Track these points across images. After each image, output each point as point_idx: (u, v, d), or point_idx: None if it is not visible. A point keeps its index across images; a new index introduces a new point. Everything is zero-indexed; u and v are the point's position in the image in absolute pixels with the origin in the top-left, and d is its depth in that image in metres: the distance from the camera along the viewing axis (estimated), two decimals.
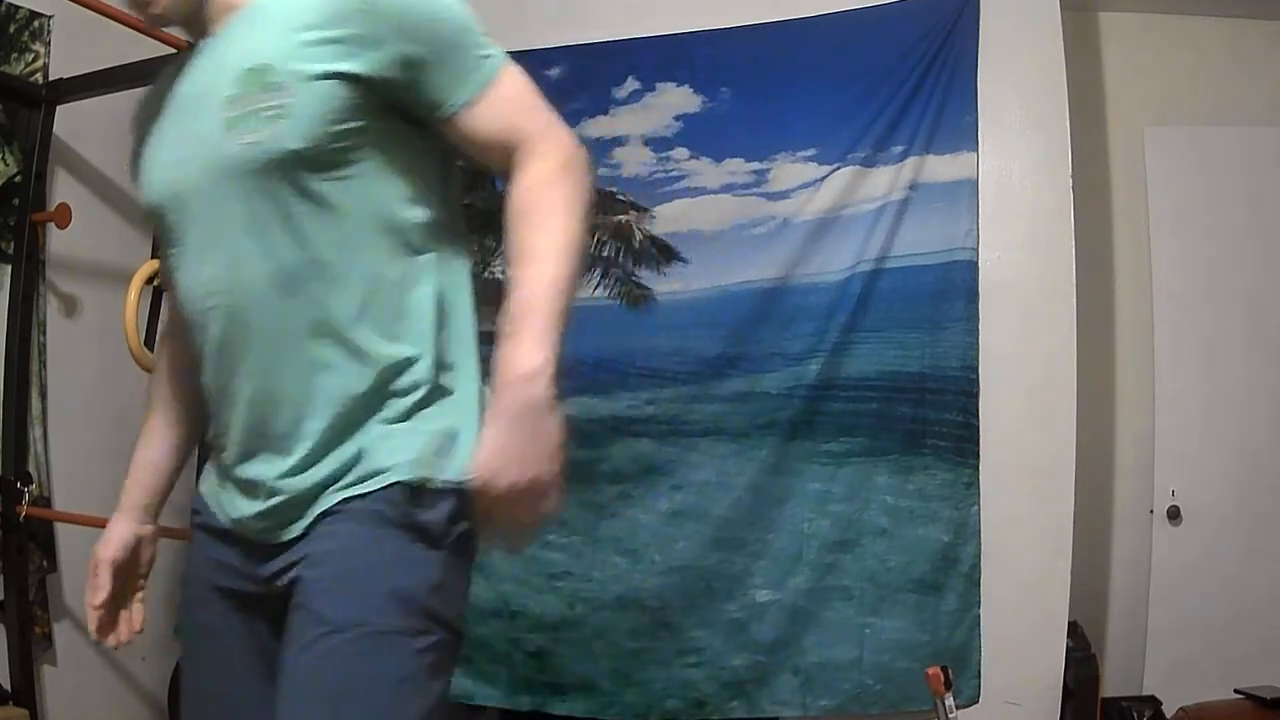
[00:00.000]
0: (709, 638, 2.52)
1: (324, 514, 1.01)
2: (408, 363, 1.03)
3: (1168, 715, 2.54)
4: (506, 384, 0.97)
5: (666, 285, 2.68)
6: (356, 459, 1.01)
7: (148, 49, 2.14)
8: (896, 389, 2.52)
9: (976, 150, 2.50)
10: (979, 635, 2.42)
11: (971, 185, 2.50)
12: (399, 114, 1.04)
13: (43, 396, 2.41)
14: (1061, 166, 2.49)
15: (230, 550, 1.12)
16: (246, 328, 1.03)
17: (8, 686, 2.26)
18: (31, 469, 2.34)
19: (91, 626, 1.25)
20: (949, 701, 2.12)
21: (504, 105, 1.07)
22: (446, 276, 1.10)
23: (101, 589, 1.24)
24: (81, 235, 2.42)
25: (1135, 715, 2.57)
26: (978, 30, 2.51)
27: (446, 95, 1.03)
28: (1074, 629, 2.46)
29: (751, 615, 2.52)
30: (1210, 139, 2.90)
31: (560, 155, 1.06)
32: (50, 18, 2.37)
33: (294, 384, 1.02)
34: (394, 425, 1.03)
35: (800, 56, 2.63)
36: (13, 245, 2.31)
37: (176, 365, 1.24)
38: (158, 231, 1.15)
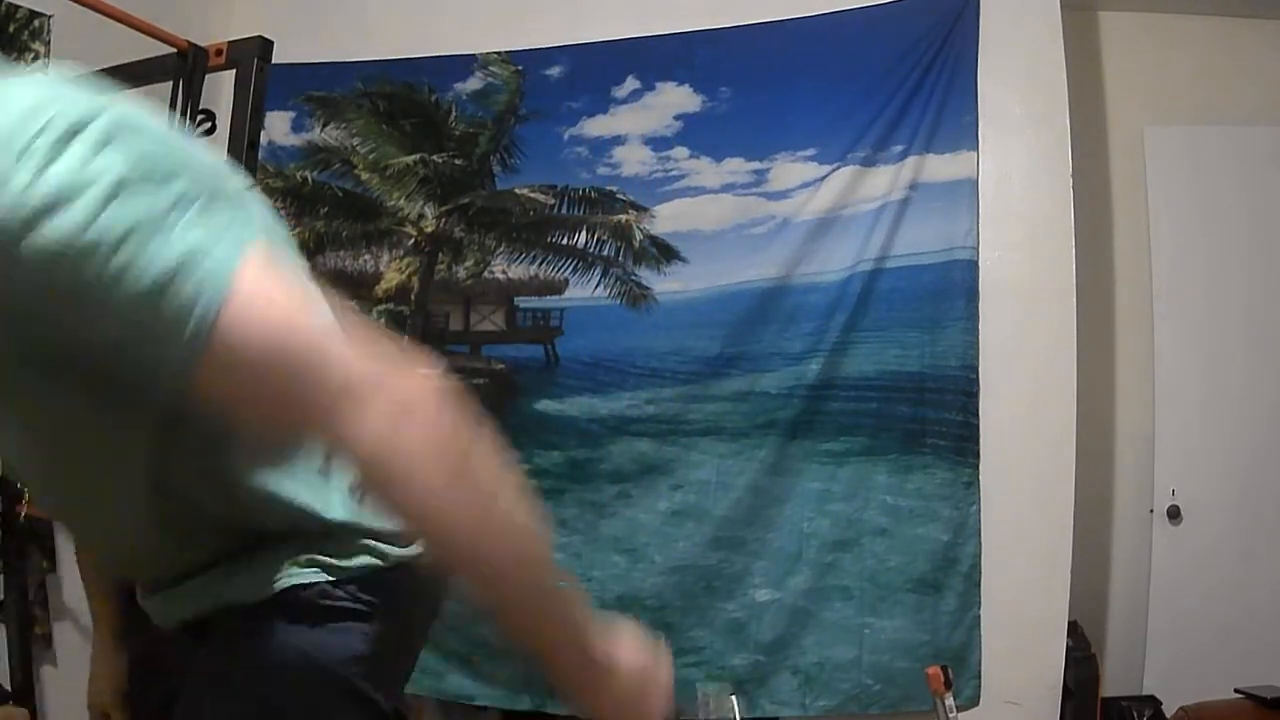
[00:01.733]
0: (709, 637, 2.52)
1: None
2: None
3: (1168, 715, 2.54)
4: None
5: (666, 285, 2.68)
6: None
7: (148, 49, 2.14)
8: (896, 388, 2.52)
9: (976, 150, 2.50)
10: (979, 635, 2.42)
11: (971, 185, 2.50)
12: None
13: None
14: (1061, 166, 2.49)
15: None
16: None
17: (8, 686, 2.25)
18: None
19: None
20: (949, 701, 2.12)
21: (251, 365, 0.65)
22: None
23: None
24: None
25: (1135, 715, 2.57)
26: (978, 30, 2.51)
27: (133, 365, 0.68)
28: (1074, 629, 2.46)
29: (751, 615, 2.52)
30: (1210, 138, 2.90)
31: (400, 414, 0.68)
32: (50, 18, 2.37)
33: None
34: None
35: (800, 56, 2.63)
36: None
37: None
38: None
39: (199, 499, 0.78)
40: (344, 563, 0.82)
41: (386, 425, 0.64)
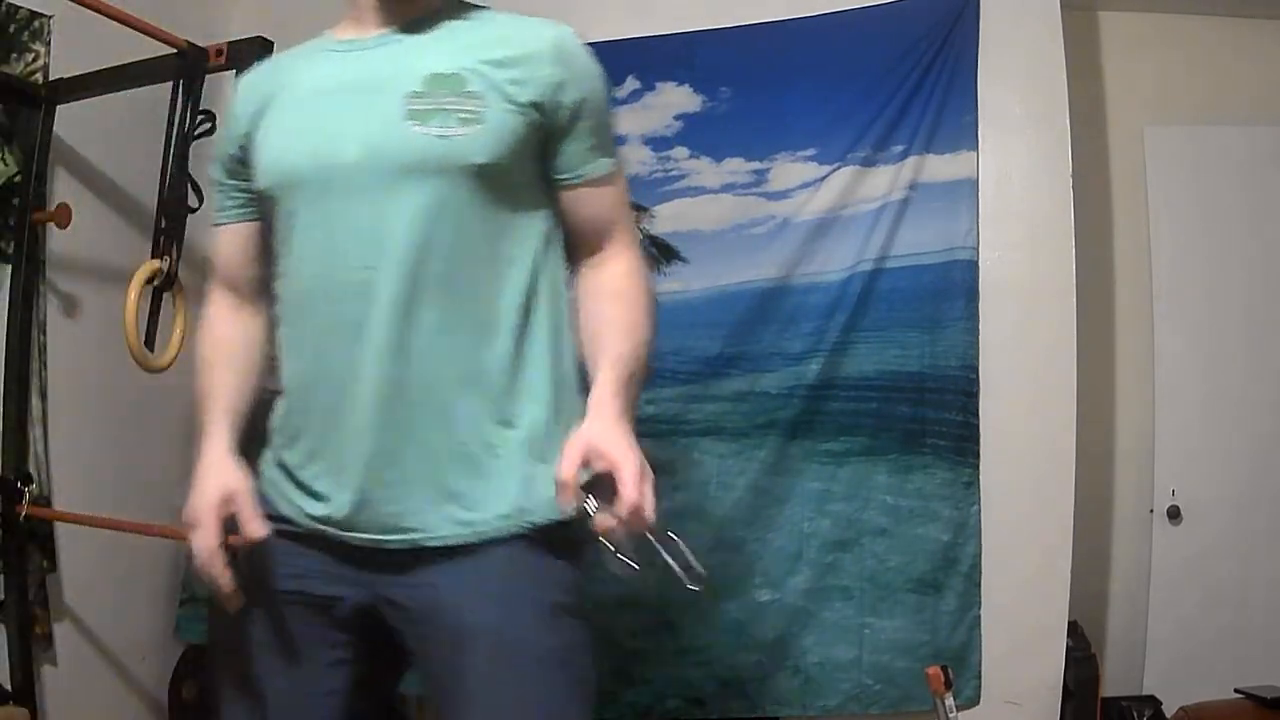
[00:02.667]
0: (709, 637, 2.53)
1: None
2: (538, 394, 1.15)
3: (1168, 715, 2.54)
4: (613, 419, 1.07)
5: (666, 285, 2.67)
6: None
7: (148, 49, 2.14)
8: (896, 388, 2.52)
9: (976, 150, 2.50)
10: (979, 635, 2.42)
11: (971, 185, 2.50)
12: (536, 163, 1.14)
13: (43, 396, 2.41)
14: (1061, 166, 2.49)
15: (323, 555, 1.14)
16: (390, 307, 1.07)
17: (8, 686, 2.26)
18: (31, 469, 2.34)
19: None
20: (949, 701, 2.12)
21: (613, 198, 1.19)
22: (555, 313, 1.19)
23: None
24: (81, 235, 2.42)
25: (1135, 715, 2.57)
26: (978, 30, 2.51)
27: (576, 164, 1.16)
28: (1074, 629, 2.46)
29: (751, 615, 2.52)
30: (1210, 138, 2.90)
31: (639, 259, 1.20)
32: (50, 18, 2.37)
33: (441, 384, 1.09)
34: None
35: (800, 56, 2.63)
36: (13, 245, 2.31)
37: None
38: (278, 203, 1.17)
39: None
40: None
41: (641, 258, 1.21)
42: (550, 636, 1.08)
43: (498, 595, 1.07)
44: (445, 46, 1.13)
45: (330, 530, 1.12)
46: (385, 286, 1.07)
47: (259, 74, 1.28)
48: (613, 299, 1.16)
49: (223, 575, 1.08)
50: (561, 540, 1.09)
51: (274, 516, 1.15)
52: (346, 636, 1.15)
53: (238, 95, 1.27)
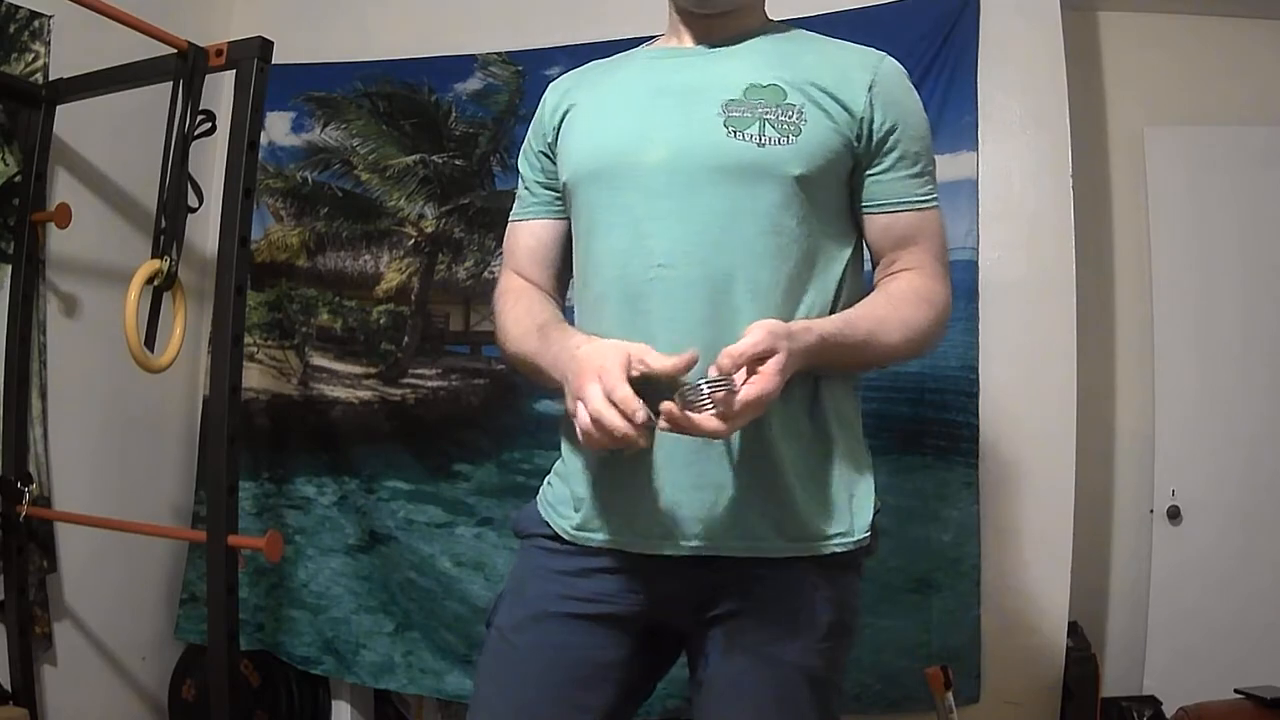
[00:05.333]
0: None
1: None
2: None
3: (1168, 715, 2.54)
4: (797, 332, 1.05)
5: None
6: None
7: (148, 49, 2.14)
8: (896, 389, 2.51)
9: (976, 150, 2.50)
10: (979, 635, 2.42)
11: (971, 185, 2.50)
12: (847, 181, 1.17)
13: (43, 396, 2.41)
14: (1061, 166, 2.49)
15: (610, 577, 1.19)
16: (702, 302, 1.10)
17: (8, 686, 2.26)
18: (31, 469, 2.34)
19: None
20: (949, 701, 2.12)
21: (922, 228, 1.23)
22: None
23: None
24: (81, 235, 2.43)
25: (1135, 715, 2.57)
26: (978, 30, 2.51)
27: (886, 193, 1.18)
28: (1074, 629, 2.46)
29: None
30: (1210, 139, 2.90)
31: (940, 283, 1.22)
32: (50, 18, 2.37)
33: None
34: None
35: None
36: (13, 245, 2.31)
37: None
38: (580, 195, 1.19)
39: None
40: None
41: (949, 303, 1.24)
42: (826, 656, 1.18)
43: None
44: (765, 60, 1.16)
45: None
46: (680, 287, 1.09)
47: (571, 76, 1.33)
48: (885, 294, 1.18)
49: (639, 409, 0.99)
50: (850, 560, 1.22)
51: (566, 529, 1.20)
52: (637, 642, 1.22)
53: (549, 94, 1.32)
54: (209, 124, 2.14)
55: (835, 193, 1.17)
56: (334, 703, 2.89)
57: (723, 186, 1.10)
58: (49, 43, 2.38)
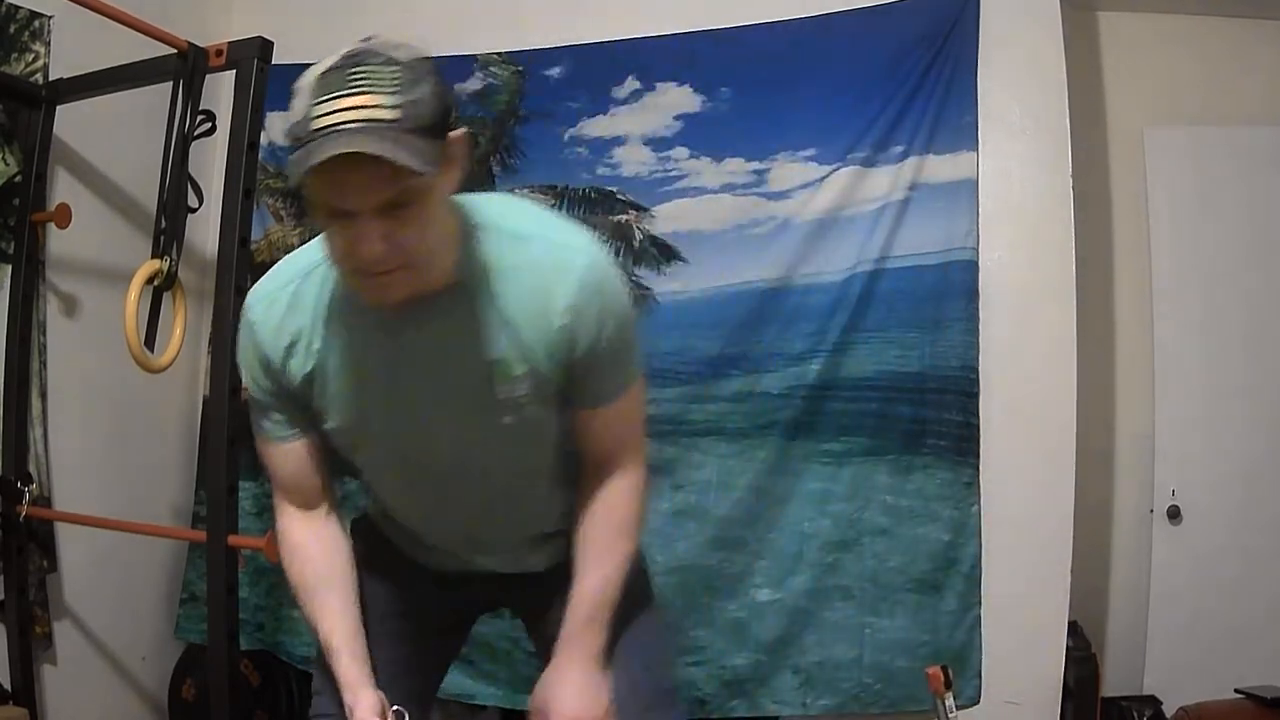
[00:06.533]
0: (710, 637, 2.53)
1: None
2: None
3: (1168, 715, 2.55)
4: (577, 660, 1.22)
5: (666, 285, 2.68)
6: None
7: (148, 49, 2.14)
8: (896, 389, 2.52)
9: (976, 150, 2.50)
10: (979, 635, 2.42)
11: (971, 185, 2.50)
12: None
13: (43, 396, 2.41)
14: (1061, 166, 2.49)
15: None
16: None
17: (8, 686, 2.26)
18: (31, 469, 2.34)
19: None
20: (949, 701, 2.12)
21: (625, 416, 1.25)
22: None
23: None
24: (81, 235, 2.43)
25: (1135, 715, 2.57)
26: (978, 30, 2.51)
27: (590, 397, 1.21)
28: (1074, 629, 2.46)
29: (752, 615, 2.52)
30: (1210, 139, 2.90)
31: (643, 479, 1.27)
32: (50, 18, 2.37)
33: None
34: None
35: (800, 56, 2.63)
36: (13, 245, 2.31)
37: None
38: (347, 445, 1.29)
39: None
40: None
41: (646, 476, 1.28)
42: None
43: None
44: (478, 328, 1.15)
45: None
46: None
47: (277, 307, 1.20)
48: (604, 516, 1.26)
49: None
50: None
51: None
52: None
53: (257, 321, 1.21)
54: (209, 124, 2.14)
55: (556, 401, 1.28)
56: None
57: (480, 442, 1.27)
58: (49, 43, 2.38)
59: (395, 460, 1.28)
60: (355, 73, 1.02)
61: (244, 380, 1.27)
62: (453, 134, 1.07)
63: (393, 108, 0.98)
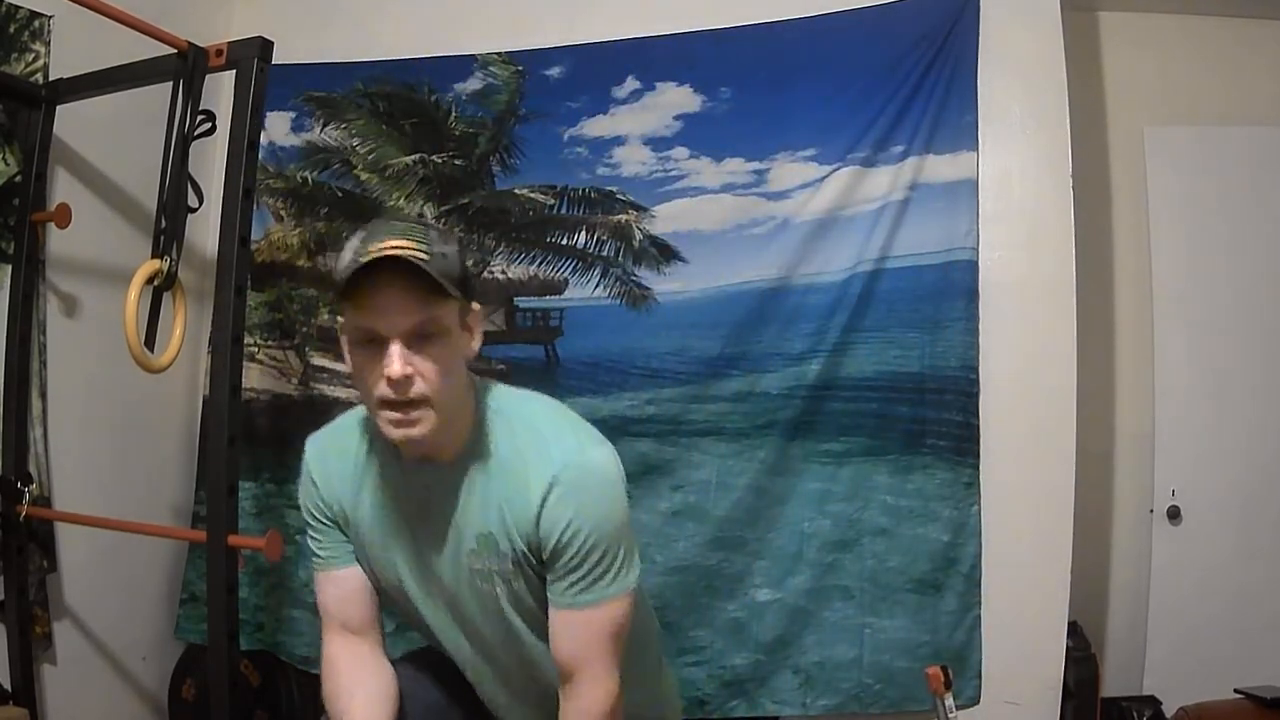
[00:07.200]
0: (709, 637, 2.53)
1: None
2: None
3: (1168, 715, 2.55)
4: None
5: (666, 285, 2.68)
6: None
7: (148, 49, 2.14)
8: (896, 389, 2.51)
9: (976, 150, 2.50)
10: (979, 635, 2.42)
11: (971, 185, 2.50)
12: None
13: (43, 396, 2.41)
14: (1061, 166, 2.49)
15: None
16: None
17: (8, 686, 2.26)
18: (31, 469, 2.34)
19: None
20: (949, 701, 2.12)
21: (589, 629, 1.30)
22: None
23: None
24: (81, 235, 2.42)
25: (1135, 715, 2.57)
26: (978, 30, 2.51)
27: (562, 598, 1.28)
28: (1074, 629, 2.46)
29: (752, 615, 2.52)
30: (1211, 139, 2.90)
31: (604, 702, 1.30)
32: (50, 18, 2.37)
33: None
34: None
35: (800, 56, 2.63)
36: (13, 245, 2.31)
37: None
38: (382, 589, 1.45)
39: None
40: None
41: (607, 699, 1.31)
42: None
43: None
44: (476, 503, 1.29)
45: None
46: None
47: (330, 455, 1.42)
48: None
49: None
50: None
51: None
52: None
53: (312, 460, 1.43)
54: (209, 124, 2.14)
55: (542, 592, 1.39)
56: None
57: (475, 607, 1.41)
58: (49, 43, 2.38)
59: (413, 607, 1.41)
60: (396, 225, 1.21)
61: (301, 509, 1.45)
62: (474, 305, 1.28)
63: (427, 252, 1.18)
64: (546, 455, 1.25)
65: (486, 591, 1.32)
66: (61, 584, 2.49)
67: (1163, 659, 2.75)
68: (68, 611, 2.52)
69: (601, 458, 1.28)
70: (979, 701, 2.39)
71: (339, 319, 1.26)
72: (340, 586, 1.42)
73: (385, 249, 1.15)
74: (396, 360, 1.17)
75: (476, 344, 1.29)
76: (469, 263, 1.27)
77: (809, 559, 2.50)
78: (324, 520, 1.41)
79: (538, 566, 1.29)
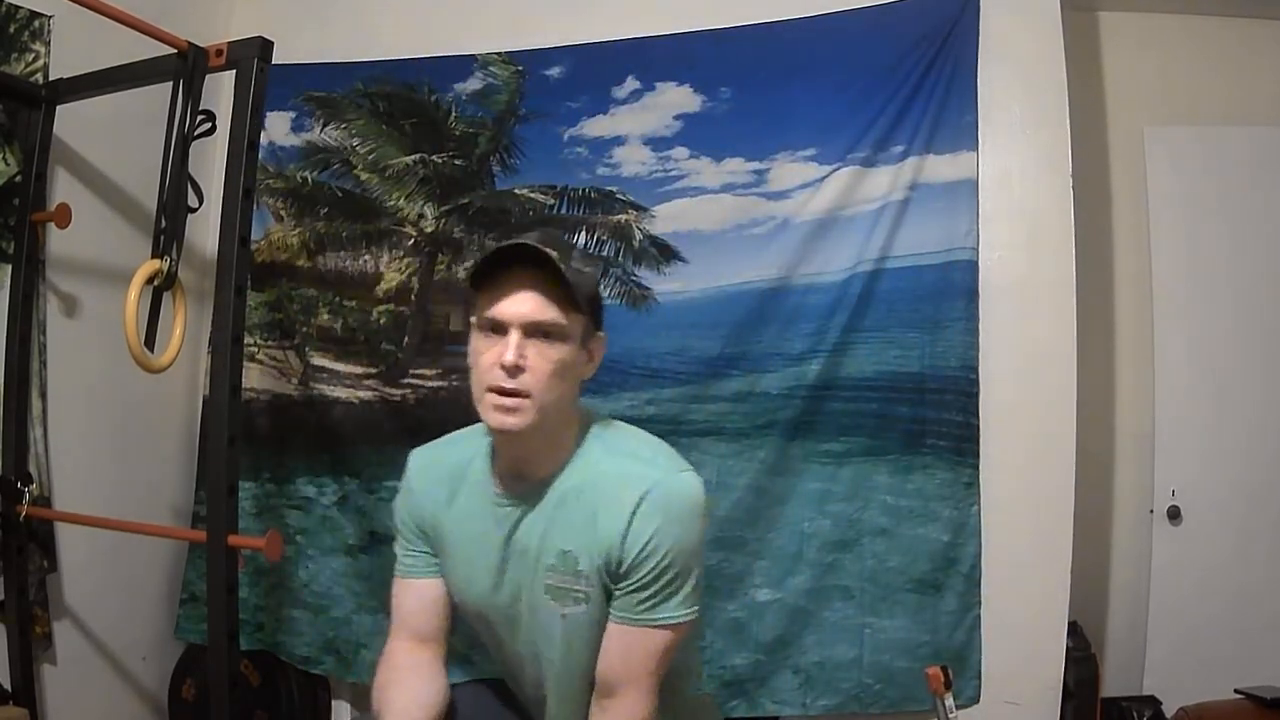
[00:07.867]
0: (710, 637, 2.52)
1: None
2: None
3: (1168, 715, 2.55)
4: None
5: (666, 285, 2.68)
6: None
7: (148, 49, 2.14)
8: (896, 389, 2.51)
9: (976, 150, 2.50)
10: (979, 635, 2.42)
11: (971, 185, 2.50)
12: None
13: (43, 396, 2.41)
14: (1061, 166, 2.49)
15: None
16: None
17: (8, 686, 2.26)
18: (31, 469, 2.34)
19: None
20: (949, 701, 2.12)
21: (639, 648, 1.31)
22: None
23: None
24: (81, 235, 2.43)
25: (1135, 715, 2.57)
26: (978, 30, 2.51)
27: (624, 611, 1.31)
28: (1074, 629, 2.46)
29: (752, 615, 2.52)
30: (1211, 138, 2.90)
31: (642, 712, 1.31)
32: (50, 18, 2.37)
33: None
34: None
35: (800, 56, 2.63)
36: (13, 245, 2.31)
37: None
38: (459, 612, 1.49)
39: None
40: None
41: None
42: None
43: None
44: (563, 519, 1.32)
45: None
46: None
47: (431, 467, 1.46)
48: None
49: None
50: None
51: None
52: None
53: (413, 472, 1.48)
54: (209, 124, 2.14)
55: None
56: (334, 703, 2.90)
57: (552, 633, 1.41)
58: (49, 43, 2.38)
59: (485, 621, 1.44)
60: (550, 232, 1.32)
61: (395, 517, 1.50)
62: (599, 332, 1.37)
63: (565, 263, 1.25)
64: (640, 474, 1.29)
65: (554, 609, 1.34)
66: (61, 584, 2.49)
67: (1163, 659, 2.75)
68: (68, 611, 2.52)
69: (691, 482, 1.31)
70: (979, 701, 2.39)
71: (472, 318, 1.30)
72: (420, 596, 1.46)
73: (524, 240, 1.24)
74: (512, 347, 1.24)
75: (592, 370, 1.37)
76: (600, 292, 1.37)
77: (809, 559, 2.50)
78: (415, 530, 1.46)
79: (610, 585, 1.31)
